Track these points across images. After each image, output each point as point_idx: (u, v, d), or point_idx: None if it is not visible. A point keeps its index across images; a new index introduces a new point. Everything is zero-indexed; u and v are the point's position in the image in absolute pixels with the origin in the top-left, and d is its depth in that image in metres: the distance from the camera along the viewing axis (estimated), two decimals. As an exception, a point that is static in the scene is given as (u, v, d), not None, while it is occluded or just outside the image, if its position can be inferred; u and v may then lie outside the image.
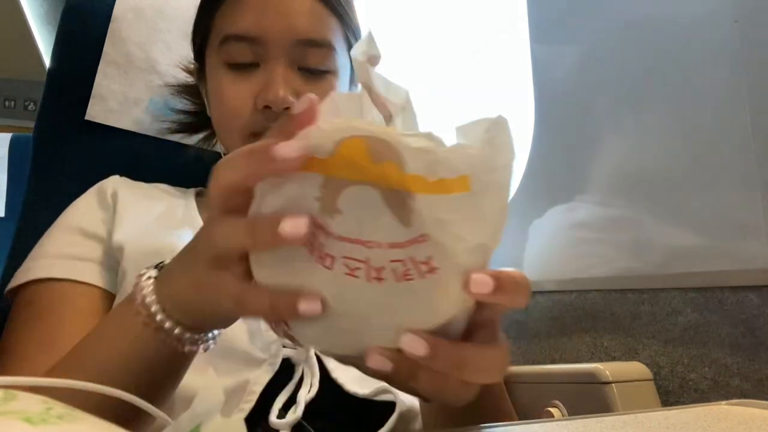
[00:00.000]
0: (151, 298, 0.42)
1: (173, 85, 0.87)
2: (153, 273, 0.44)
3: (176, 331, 0.42)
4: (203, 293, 0.40)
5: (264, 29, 0.66)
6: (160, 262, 0.45)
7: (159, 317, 0.42)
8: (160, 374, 0.44)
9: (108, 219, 0.70)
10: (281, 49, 0.66)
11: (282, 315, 0.35)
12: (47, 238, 0.70)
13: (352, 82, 0.76)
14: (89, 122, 0.89)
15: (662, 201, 0.67)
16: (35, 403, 0.19)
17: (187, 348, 0.43)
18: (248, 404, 0.56)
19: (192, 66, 0.82)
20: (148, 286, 0.43)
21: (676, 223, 0.65)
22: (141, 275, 0.44)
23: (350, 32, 0.73)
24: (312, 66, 0.67)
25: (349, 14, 0.72)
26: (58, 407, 0.19)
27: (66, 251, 0.66)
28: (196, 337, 0.43)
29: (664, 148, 0.67)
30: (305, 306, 0.34)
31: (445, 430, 0.40)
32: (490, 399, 0.50)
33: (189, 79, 0.86)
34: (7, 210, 1.15)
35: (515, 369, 0.75)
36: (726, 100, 0.60)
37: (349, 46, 0.73)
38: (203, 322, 0.43)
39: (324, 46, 0.68)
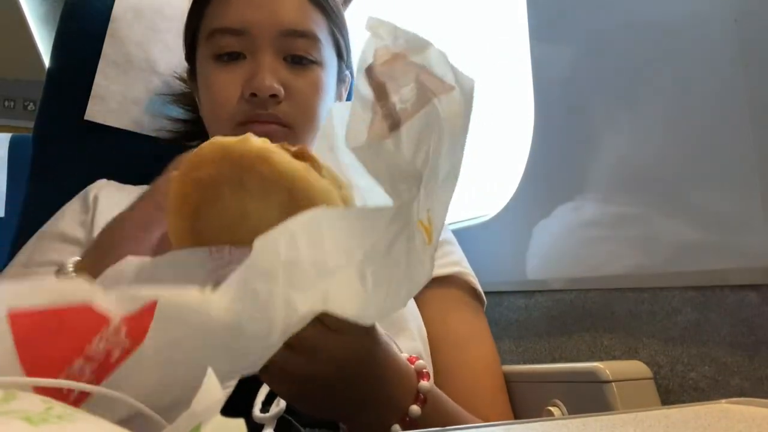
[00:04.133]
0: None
1: (169, 94, 0.88)
2: (71, 266, 0.50)
3: None
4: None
5: (249, 21, 0.67)
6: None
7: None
8: None
9: (87, 221, 0.71)
10: (267, 40, 0.67)
11: None
12: (30, 245, 0.71)
13: (340, 79, 0.77)
14: (89, 122, 0.90)
15: (663, 200, 0.67)
16: (35, 403, 0.19)
17: None
18: (227, 390, 0.56)
19: (185, 74, 0.82)
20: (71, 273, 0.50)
21: (677, 221, 0.65)
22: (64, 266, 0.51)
23: (336, 29, 0.73)
24: (297, 56, 0.68)
25: (334, 10, 0.73)
26: (58, 407, 0.19)
27: (45, 258, 0.67)
28: None
29: (664, 146, 0.67)
30: None
31: (444, 429, 0.40)
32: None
33: (184, 87, 0.86)
34: (7, 210, 1.15)
35: (515, 368, 0.75)
36: (726, 99, 0.60)
37: (336, 43, 0.74)
38: None
39: (309, 37, 0.69)
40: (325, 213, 0.31)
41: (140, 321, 0.30)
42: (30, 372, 0.28)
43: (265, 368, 0.40)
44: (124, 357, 0.30)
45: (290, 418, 0.55)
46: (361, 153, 0.35)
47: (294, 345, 0.39)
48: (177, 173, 0.38)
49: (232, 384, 0.57)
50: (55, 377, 0.28)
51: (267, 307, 0.31)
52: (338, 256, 0.32)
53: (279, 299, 0.31)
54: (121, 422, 0.30)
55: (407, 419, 0.47)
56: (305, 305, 0.31)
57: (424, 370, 0.50)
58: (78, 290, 0.29)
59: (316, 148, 0.42)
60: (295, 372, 0.41)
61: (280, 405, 0.55)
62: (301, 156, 0.37)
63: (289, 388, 0.43)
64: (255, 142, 0.36)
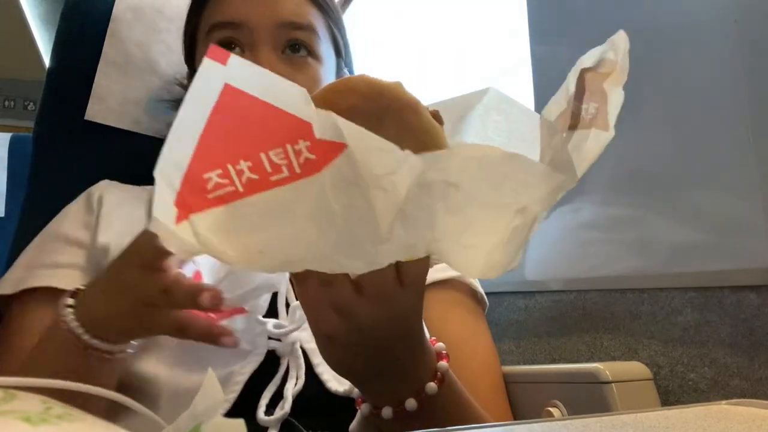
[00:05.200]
0: (74, 324, 0.50)
1: (169, 100, 0.88)
2: (70, 301, 0.51)
3: (103, 346, 0.50)
4: (142, 323, 0.49)
5: (247, 15, 0.67)
6: (77, 289, 0.53)
7: (85, 338, 0.50)
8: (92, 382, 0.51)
9: (91, 223, 0.70)
10: (265, 33, 0.67)
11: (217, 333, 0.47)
12: (33, 247, 0.71)
13: (339, 77, 0.77)
14: (89, 122, 0.90)
15: (663, 201, 0.67)
16: (35, 403, 0.19)
17: (115, 356, 0.51)
18: (232, 395, 0.56)
19: (185, 81, 0.83)
20: (69, 314, 0.50)
21: (676, 223, 0.65)
22: (61, 303, 0.52)
23: (334, 25, 0.74)
24: (296, 46, 0.69)
25: (331, 8, 0.73)
26: (58, 407, 0.19)
27: (48, 259, 0.67)
28: (123, 347, 0.52)
29: (664, 147, 0.67)
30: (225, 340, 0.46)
31: (445, 429, 0.40)
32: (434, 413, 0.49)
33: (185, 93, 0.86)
34: (7, 210, 1.15)
35: (515, 369, 0.75)
36: (726, 99, 0.60)
37: (334, 40, 0.74)
38: (131, 338, 0.52)
39: (307, 30, 0.69)
40: (506, 154, 0.33)
41: (321, 154, 0.31)
42: (199, 149, 0.29)
43: (328, 309, 0.42)
44: (285, 182, 0.31)
45: (294, 421, 0.55)
46: (544, 122, 0.36)
47: (364, 288, 0.41)
48: (319, 94, 0.39)
49: (237, 389, 0.57)
50: (214, 168, 0.30)
51: (415, 225, 0.32)
52: (509, 194, 0.33)
53: (426, 219, 0.32)
54: None
55: (423, 395, 0.48)
56: (445, 231, 0.33)
57: (444, 352, 0.51)
58: (297, 97, 0.31)
59: (445, 110, 0.43)
60: (357, 314, 0.42)
61: (284, 407, 0.56)
62: (436, 118, 0.39)
63: (337, 331, 0.44)
64: (407, 90, 0.38)
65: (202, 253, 0.31)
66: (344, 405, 0.59)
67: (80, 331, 0.49)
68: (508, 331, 0.89)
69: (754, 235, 0.57)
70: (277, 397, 0.57)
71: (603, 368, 0.64)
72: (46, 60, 2.32)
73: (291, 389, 0.57)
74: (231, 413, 0.55)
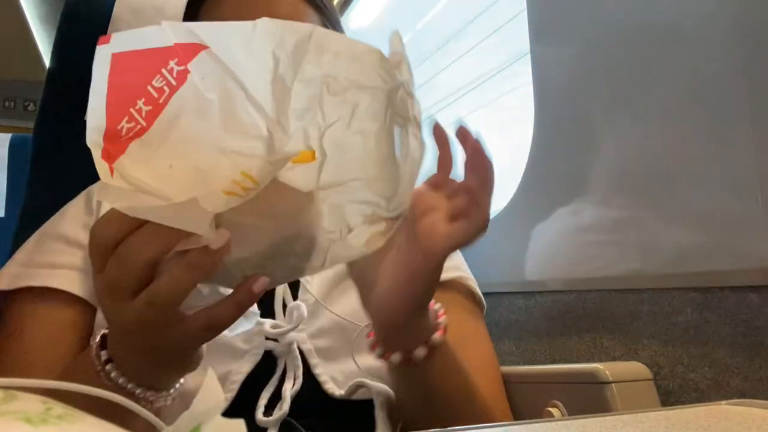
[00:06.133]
0: (115, 373, 0.44)
1: None
2: (104, 355, 0.45)
3: (148, 395, 0.45)
4: (180, 362, 0.44)
5: (240, 18, 0.67)
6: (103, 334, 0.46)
7: (130, 386, 0.44)
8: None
9: (90, 224, 0.70)
10: None
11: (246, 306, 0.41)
12: (31, 244, 0.70)
13: None
14: (89, 122, 0.89)
15: (663, 201, 0.67)
16: (35, 403, 0.19)
17: (156, 404, 0.46)
18: (229, 394, 0.56)
19: None
20: (112, 369, 0.44)
21: (677, 223, 0.65)
22: (92, 348, 0.46)
23: (330, 24, 0.74)
24: None
25: (327, 8, 0.73)
26: (58, 407, 0.19)
27: (47, 259, 0.67)
28: (167, 393, 0.47)
29: (664, 147, 0.67)
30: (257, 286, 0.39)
31: (445, 430, 0.40)
32: (441, 363, 0.55)
33: None
34: (7, 210, 1.15)
35: (515, 369, 0.75)
36: (726, 99, 0.60)
37: None
38: (172, 381, 0.47)
39: None
40: (367, 47, 0.38)
41: (188, 62, 0.36)
42: (108, 109, 0.35)
43: None
44: (170, 98, 0.36)
45: (293, 421, 0.55)
46: None
47: None
48: None
49: (234, 388, 0.57)
50: (122, 117, 0.35)
51: (306, 112, 0.36)
52: (377, 78, 0.37)
53: (314, 107, 0.36)
54: None
55: (430, 343, 0.54)
56: (335, 114, 0.37)
57: (441, 311, 0.57)
58: (153, 34, 0.38)
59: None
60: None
61: (283, 408, 0.56)
62: None
63: None
64: None
65: (138, 195, 0.34)
66: (342, 406, 0.59)
67: (130, 386, 0.44)
68: (508, 331, 0.89)
69: (754, 235, 0.57)
70: (275, 397, 0.57)
71: (603, 368, 0.64)
72: (46, 60, 2.32)
73: (289, 390, 0.57)
74: (228, 413, 0.55)
